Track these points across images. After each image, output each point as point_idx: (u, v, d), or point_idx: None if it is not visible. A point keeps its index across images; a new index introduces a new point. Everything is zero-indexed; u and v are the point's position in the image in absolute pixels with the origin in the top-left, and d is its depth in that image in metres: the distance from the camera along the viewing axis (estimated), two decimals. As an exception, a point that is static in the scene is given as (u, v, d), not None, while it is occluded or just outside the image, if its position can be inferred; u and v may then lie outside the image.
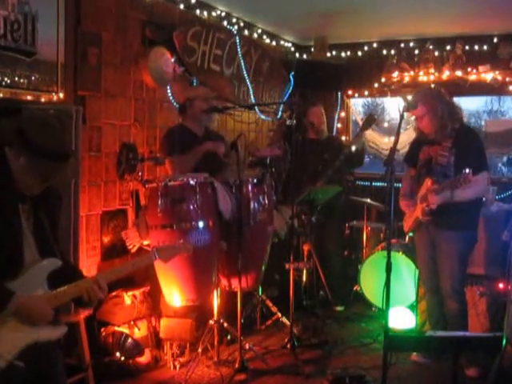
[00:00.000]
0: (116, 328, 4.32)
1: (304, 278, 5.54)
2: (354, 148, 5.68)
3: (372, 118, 5.75)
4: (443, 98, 4.21)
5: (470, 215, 4.22)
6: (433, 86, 6.36)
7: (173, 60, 5.09)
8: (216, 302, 4.42)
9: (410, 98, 4.22)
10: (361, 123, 6.43)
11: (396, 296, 3.73)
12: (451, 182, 3.96)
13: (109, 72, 4.56)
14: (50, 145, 2.44)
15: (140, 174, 4.17)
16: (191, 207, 3.96)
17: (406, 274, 5.26)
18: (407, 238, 5.82)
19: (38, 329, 2.45)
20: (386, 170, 3.39)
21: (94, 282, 2.58)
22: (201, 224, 3.98)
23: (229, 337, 4.76)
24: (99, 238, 4.53)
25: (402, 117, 3.68)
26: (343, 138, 7.48)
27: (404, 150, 7.26)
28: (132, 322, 4.46)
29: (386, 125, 7.33)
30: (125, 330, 4.36)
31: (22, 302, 2.37)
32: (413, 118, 4.48)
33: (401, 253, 5.42)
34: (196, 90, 5.06)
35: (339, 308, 5.83)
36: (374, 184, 7.48)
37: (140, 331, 4.48)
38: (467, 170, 3.77)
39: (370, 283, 5.65)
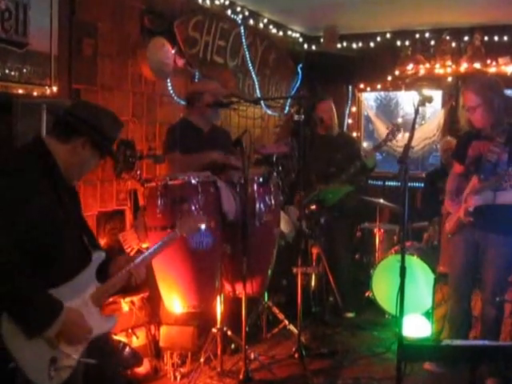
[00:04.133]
0: (113, 336, 4.28)
1: (313, 284, 5.53)
2: (365, 162, 5.65)
3: (397, 129, 5.71)
4: (500, 90, 4.11)
5: None
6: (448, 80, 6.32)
7: (173, 51, 5.08)
8: (219, 308, 4.40)
9: (425, 91, 4.14)
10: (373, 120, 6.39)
11: (410, 302, 3.73)
12: (494, 180, 3.90)
13: (105, 64, 4.55)
14: (116, 134, 2.70)
15: (138, 172, 4.17)
16: (193, 208, 3.94)
17: (422, 279, 5.25)
18: (423, 241, 5.83)
19: (96, 323, 2.60)
20: (399, 169, 3.35)
21: (136, 264, 2.78)
22: (203, 225, 3.85)
23: (233, 346, 4.74)
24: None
25: (417, 112, 3.62)
26: (354, 134, 7.49)
27: (418, 148, 7.38)
28: (130, 330, 4.45)
29: (400, 120, 7.29)
30: (122, 338, 4.35)
31: (66, 318, 2.45)
32: (428, 114, 4.43)
33: (416, 256, 5.40)
34: (206, 83, 5.04)
35: (350, 315, 5.83)
36: (387, 183, 7.38)
37: (138, 340, 4.48)
38: (511, 170, 3.73)
39: (382, 289, 5.64)
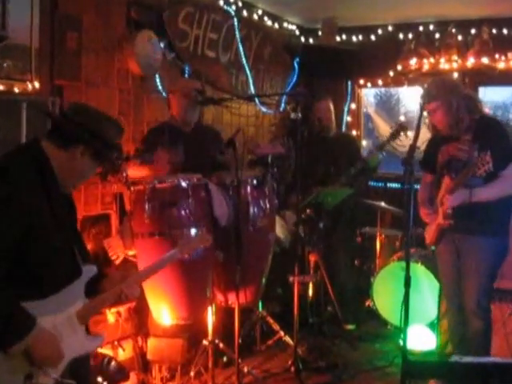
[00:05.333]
0: (98, 349, 4.23)
1: (310, 293, 5.52)
2: (368, 162, 5.67)
3: (403, 127, 5.74)
4: (458, 90, 4.20)
5: (501, 218, 4.16)
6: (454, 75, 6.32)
7: (162, 45, 5.07)
8: (210, 319, 4.39)
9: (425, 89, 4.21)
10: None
11: (414, 313, 3.69)
12: (467, 169, 3.94)
13: (90, 59, 4.54)
14: (118, 141, 2.74)
15: (124, 174, 4.11)
16: (182, 212, 3.94)
17: (426, 288, 5.25)
18: (428, 247, 5.83)
19: (79, 343, 2.61)
20: (404, 171, 3.37)
21: (127, 283, 2.78)
22: (193, 232, 3.95)
23: (225, 358, 4.73)
24: None
25: (422, 110, 3.65)
26: (353, 132, 7.49)
27: (422, 148, 7.32)
28: (116, 343, 4.46)
29: (402, 118, 7.29)
30: (108, 351, 4.35)
31: (37, 338, 2.44)
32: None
33: (420, 263, 5.40)
34: (177, 82, 5.06)
35: (350, 326, 5.82)
36: (388, 185, 7.40)
37: (125, 352, 4.49)
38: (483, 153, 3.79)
39: (384, 298, 5.64)
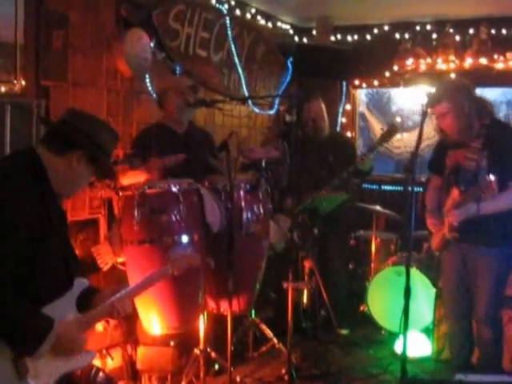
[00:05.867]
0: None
1: (305, 300, 5.49)
2: (360, 167, 5.53)
3: (394, 129, 5.58)
4: (470, 92, 4.06)
5: (509, 228, 4.02)
6: (454, 76, 6.27)
7: (152, 44, 4.99)
8: (202, 327, 4.33)
9: (432, 91, 4.08)
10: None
11: (409, 318, 3.62)
12: (473, 191, 3.81)
13: (77, 58, 4.44)
14: (113, 147, 2.74)
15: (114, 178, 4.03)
16: (173, 219, 3.86)
17: (421, 293, 5.19)
18: (423, 251, 5.75)
19: (70, 358, 2.63)
20: (406, 177, 3.34)
21: (120, 297, 2.79)
22: (185, 238, 3.88)
23: (216, 366, 4.66)
24: None
25: (425, 114, 3.55)
26: (348, 133, 7.43)
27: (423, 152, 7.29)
28: (104, 351, 4.39)
29: (398, 119, 7.25)
30: (96, 361, 4.16)
31: (60, 331, 2.50)
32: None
33: (415, 268, 5.32)
34: (169, 80, 5.02)
35: (344, 331, 5.77)
36: (383, 188, 7.44)
37: (113, 361, 4.44)
38: (491, 177, 3.62)
39: (378, 303, 5.61)
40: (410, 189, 3.34)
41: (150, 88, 5.08)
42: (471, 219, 3.90)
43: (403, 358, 3.40)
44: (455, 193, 3.97)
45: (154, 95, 5.04)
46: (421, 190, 6.60)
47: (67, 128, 2.60)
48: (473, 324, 4.28)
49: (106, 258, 4.18)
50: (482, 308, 4.10)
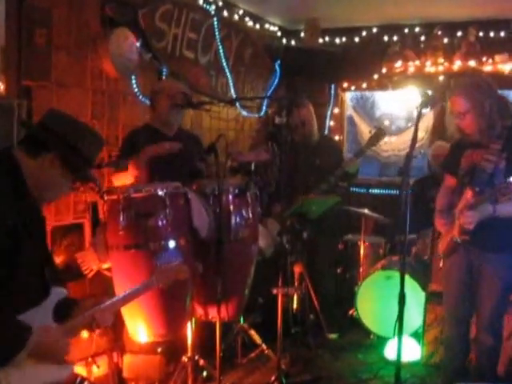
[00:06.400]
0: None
1: (295, 305, 5.41)
2: (347, 170, 5.48)
3: (382, 132, 5.54)
4: (490, 90, 3.88)
5: None
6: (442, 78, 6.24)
7: (138, 44, 4.92)
8: (190, 334, 4.24)
9: (428, 91, 3.94)
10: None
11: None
12: (489, 192, 3.66)
13: (61, 57, 4.34)
14: (94, 153, 2.63)
15: (97, 182, 3.88)
16: (160, 223, 3.75)
17: (410, 298, 5.00)
18: (411, 255, 5.71)
19: (49, 370, 2.51)
20: (401, 180, 3.27)
21: (101, 309, 2.70)
22: (172, 243, 3.78)
23: (205, 374, 4.52)
24: None
25: (419, 115, 3.42)
26: (336, 137, 7.36)
27: (405, 152, 7.20)
28: (90, 359, 4.29)
29: (387, 122, 7.18)
30: (81, 369, 4.18)
31: (38, 339, 2.40)
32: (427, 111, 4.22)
33: (404, 272, 5.23)
34: (161, 83, 4.98)
35: (333, 336, 5.67)
36: (370, 191, 7.42)
37: (99, 369, 4.33)
38: (511, 179, 3.49)
39: (367, 307, 5.55)
40: (404, 192, 3.22)
41: (136, 89, 5.03)
42: (482, 223, 3.75)
43: (397, 365, 3.33)
44: (469, 194, 3.79)
45: (141, 96, 4.99)
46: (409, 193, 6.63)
47: (42, 129, 2.54)
48: (471, 329, 4.20)
49: (90, 265, 4.07)
50: (486, 315, 3.98)
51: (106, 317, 2.70)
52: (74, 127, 2.58)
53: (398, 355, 3.33)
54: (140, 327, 3.85)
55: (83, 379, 4.01)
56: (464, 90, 3.84)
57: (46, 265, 2.64)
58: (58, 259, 4.35)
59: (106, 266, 3.98)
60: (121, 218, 3.70)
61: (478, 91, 3.81)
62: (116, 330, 4.38)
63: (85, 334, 4.26)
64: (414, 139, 3.29)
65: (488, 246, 3.85)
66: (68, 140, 2.51)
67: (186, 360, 4.24)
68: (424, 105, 3.52)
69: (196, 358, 4.27)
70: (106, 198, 3.80)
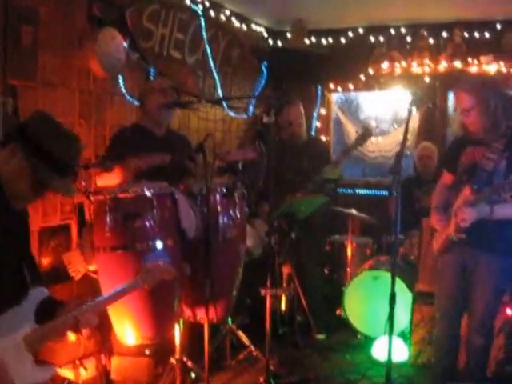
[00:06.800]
0: (57, 370, 3.97)
1: (283, 306, 5.39)
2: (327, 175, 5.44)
3: (368, 132, 5.49)
4: (496, 88, 3.85)
5: None
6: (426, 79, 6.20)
7: (125, 44, 4.86)
8: (178, 335, 4.19)
9: (418, 90, 3.91)
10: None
11: (384, 322, 3.58)
12: (488, 191, 3.63)
13: (47, 56, 4.29)
14: (65, 157, 2.50)
15: (84, 183, 3.83)
16: (147, 224, 3.69)
17: (397, 298, 5.01)
18: (399, 256, 5.69)
19: (27, 373, 2.46)
20: (392, 180, 3.19)
21: (85, 309, 2.62)
22: (159, 244, 3.71)
23: (193, 375, 4.47)
24: (37, 260, 4.12)
25: (410, 113, 3.36)
26: (323, 138, 7.33)
27: (391, 153, 7.22)
28: (77, 362, 4.26)
29: (373, 123, 7.17)
30: (68, 372, 4.15)
31: None
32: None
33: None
34: (151, 81, 4.97)
35: (320, 336, 5.65)
36: (357, 192, 7.41)
37: (87, 372, 4.29)
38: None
39: (355, 307, 5.53)
40: (395, 192, 3.16)
41: (123, 89, 4.97)
42: (479, 223, 3.71)
43: (388, 366, 3.34)
44: (467, 191, 3.75)
45: (128, 96, 4.94)
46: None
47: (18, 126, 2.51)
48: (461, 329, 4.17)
49: (77, 267, 4.03)
50: (478, 316, 3.95)
51: (90, 317, 2.62)
52: (48, 126, 2.53)
53: (389, 356, 3.34)
54: (128, 330, 3.79)
55: (70, 383, 4.01)
56: (469, 86, 3.79)
57: (27, 265, 2.58)
58: (45, 261, 4.31)
59: (92, 267, 3.92)
60: (108, 219, 3.65)
61: (483, 88, 3.77)
62: (104, 332, 4.32)
63: (72, 336, 4.18)
64: (405, 138, 3.26)
65: (483, 246, 3.81)
66: (29, 133, 2.46)
67: (175, 362, 4.20)
68: (414, 103, 3.49)
69: (184, 359, 4.23)
70: (92, 198, 3.74)
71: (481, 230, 3.73)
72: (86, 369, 4.26)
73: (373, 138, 6.77)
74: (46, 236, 4.31)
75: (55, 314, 2.58)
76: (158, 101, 4.33)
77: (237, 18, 6.63)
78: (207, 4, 5.99)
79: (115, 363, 4.36)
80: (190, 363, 4.27)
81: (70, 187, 2.64)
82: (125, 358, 4.35)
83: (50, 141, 2.46)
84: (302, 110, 5.80)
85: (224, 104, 6.27)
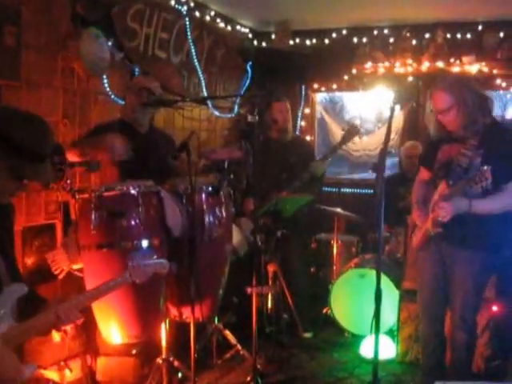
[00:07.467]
0: (42, 372, 4.00)
1: (269, 304, 5.33)
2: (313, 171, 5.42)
3: (354, 130, 5.48)
4: (472, 86, 3.83)
5: (494, 233, 3.79)
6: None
7: (110, 44, 4.78)
8: (164, 335, 4.15)
9: (401, 88, 3.87)
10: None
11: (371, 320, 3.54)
12: (463, 183, 3.61)
13: (30, 56, 4.19)
14: (29, 142, 2.45)
15: (69, 182, 3.79)
16: (132, 222, 3.63)
17: (384, 295, 4.97)
18: (385, 253, 5.66)
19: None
20: (376, 177, 3.14)
21: (67, 306, 2.58)
22: (145, 243, 3.65)
23: (180, 374, 4.42)
24: (21, 260, 4.13)
25: (392, 111, 3.33)
26: (308, 137, 7.33)
27: (376, 152, 7.20)
28: (62, 363, 4.20)
29: (358, 122, 7.16)
30: (53, 374, 4.08)
31: None
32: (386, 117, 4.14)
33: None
34: (134, 79, 4.89)
35: (307, 334, 5.62)
36: (342, 190, 7.38)
37: (72, 373, 4.23)
38: (485, 167, 3.43)
39: (341, 305, 5.51)
40: (379, 190, 3.09)
41: (107, 89, 4.89)
42: (455, 218, 3.69)
43: (375, 364, 3.25)
44: (443, 186, 3.77)
45: (112, 96, 4.87)
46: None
47: None
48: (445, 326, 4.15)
49: (60, 265, 3.90)
50: (458, 312, 3.92)
51: (71, 314, 2.56)
52: (12, 117, 2.50)
53: (376, 354, 3.27)
54: (113, 329, 3.73)
55: (55, 384, 3.94)
56: (448, 85, 3.78)
57: (5, 260, 2.52)
58: (29, 261, 4.21)
59: (76, 266, 3.83)
60: (93, 217, 3.58)
61: (460, 87, 3.76)
62: (89, 332, 4.27)
63: (57, 337, 4.12)
64: (388, 135, 3.19)
65: (460, 243, 3.80)
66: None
67: (161, 361, 4.17)
68: (397, 101, 3.44)
69: (171, 359, 4.20)
70: (77, 196, 3.68)
71: (456, 226, 3.73)
72: (71, 370, 4.19)
73: (356, 138, 6.79)
74: (30, 235, 4.21)
75: (38, 311, 2.53)
76: (132, 100, 4.33)
77: (222, 19, 6.59)
78: (192, 4, 5.94)
79: (101, 364, 4.32)
80: (176, 363, 4.23)
81: (47, 174, 2.60)
82: (110, 358, 4.32)
83: (14, 130, 2.42)
84: (288, 106, 5.76)
85: (209, 103, 6.26)
